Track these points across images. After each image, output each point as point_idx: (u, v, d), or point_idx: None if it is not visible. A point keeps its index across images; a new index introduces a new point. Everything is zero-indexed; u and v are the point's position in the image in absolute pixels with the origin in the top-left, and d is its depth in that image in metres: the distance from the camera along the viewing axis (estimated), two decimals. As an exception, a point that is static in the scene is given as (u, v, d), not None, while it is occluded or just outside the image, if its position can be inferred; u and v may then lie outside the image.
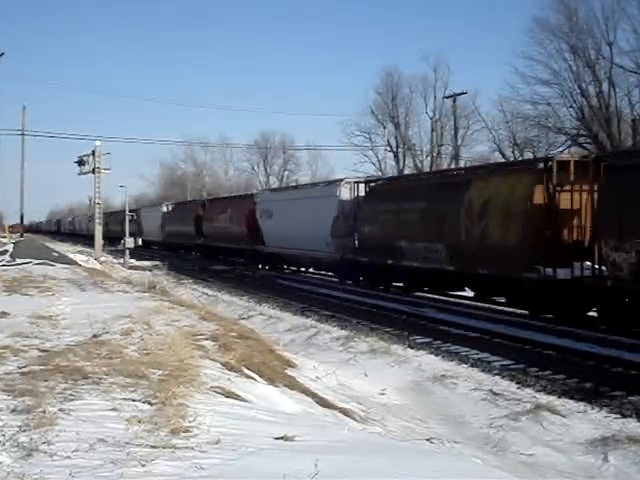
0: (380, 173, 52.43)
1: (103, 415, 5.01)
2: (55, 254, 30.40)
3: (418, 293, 21.56)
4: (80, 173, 37.73)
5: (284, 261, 32.63)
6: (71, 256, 31.84)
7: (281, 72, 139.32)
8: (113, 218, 62.00)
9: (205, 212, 43.36)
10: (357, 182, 25.30)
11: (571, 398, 9.46)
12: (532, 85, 41.58)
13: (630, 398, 9.37)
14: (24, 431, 4.49)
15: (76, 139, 52.31)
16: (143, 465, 3.93)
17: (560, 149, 39.18)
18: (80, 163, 37.33)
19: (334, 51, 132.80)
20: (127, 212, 45.29)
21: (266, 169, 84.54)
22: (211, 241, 41.83)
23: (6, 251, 30.47)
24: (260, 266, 34.39)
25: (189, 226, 45.30)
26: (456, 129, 48.68)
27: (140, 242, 45.94)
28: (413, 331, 14.93)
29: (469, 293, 20.11)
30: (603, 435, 7.96)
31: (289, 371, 9.50)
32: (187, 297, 19.69)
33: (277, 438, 4.82)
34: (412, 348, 13.13)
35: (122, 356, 7.20)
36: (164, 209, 53.48)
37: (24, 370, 6.45)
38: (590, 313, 15.25)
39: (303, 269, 32.66)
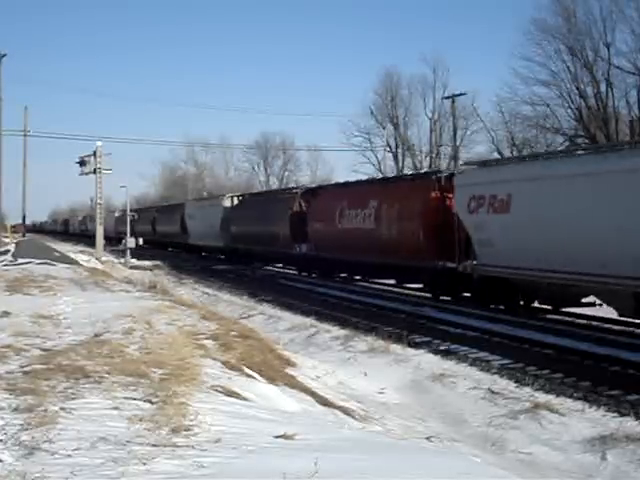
0: (380, 174, 52.41)
1: (104, 414, 5.03)
2: (57, 254, 30.47)
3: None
4: (81, 173, 37.84)
5: (537, 294, 16.83)
6: (72, 256, 31.89)
7: (281, 72, 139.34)
8: (142, 216, 56.06)
9: (313, 206, 28.38)
10: None
11: (569, 397, 9.49)
12: (530, 86, 41.68)
13: (628, 397, 9.41)
14: (26, 430, 4.52)
15: (77, 139, 52.39)
16: (144, 463, 3.95)
17: (559, 149, 39.13)
18: (81, 163, 37.43)
19: (334, 51, 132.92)
20: (128, 212, 45.27)
21: (266, 169, 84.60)
22: (326, 251, 26.01)
23: (8, 251, 30.55)
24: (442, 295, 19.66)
25: (277, 227, 30.67)
26: (455, 130, 48.70)
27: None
28: (412, 330, 14.95)
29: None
30: (601, 434, 8.00)
31: (289, 370, 9.53)
32: (188, 296, 19.73)
33: (277, 437, 4.84)
34: (411, 347, 13.15)
35: (123, 355, 7.23)
36: (226, 203, 38.88)
37: (26, 369, 6.47)
38: None
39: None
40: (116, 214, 65.56)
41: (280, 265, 33.50)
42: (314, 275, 28.53)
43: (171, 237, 51.12)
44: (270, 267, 33.87)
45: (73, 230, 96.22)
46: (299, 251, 28.75)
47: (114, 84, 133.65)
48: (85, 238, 66.65)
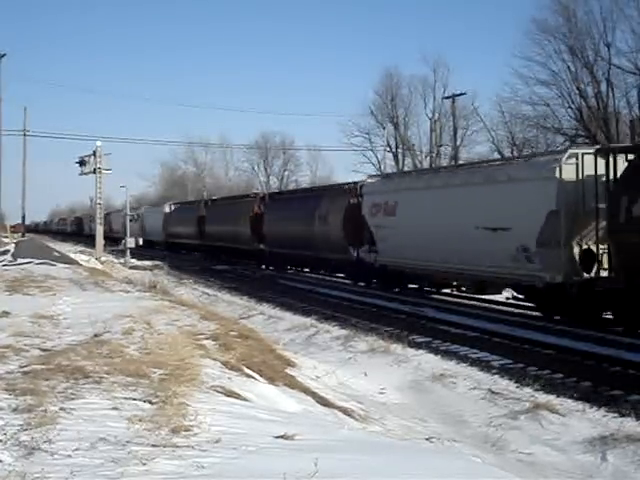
0: (380, 173, 52.19)
1: (104, 414, 5.03)
2: (56, 254, 30.47)
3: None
4: (81, 173, 37.82)
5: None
6: (72, 256, 31.89)
7: (281, 72, 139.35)
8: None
9: None
10: None
11: (570, 397, 9.47)
12: (531, 86, 41.62)
13: (628, 397, 9.39)
14: (25, 430, 4.51)
15: (77, 139, 52.26)
16: (144, 464, 3.95)
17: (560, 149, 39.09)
18: (81, 163, 37.42)
19: (334, 51, 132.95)
20: (128, 212, 45.23)
21: (266, 169, 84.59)
22: None
23: (8, 251, 30.55)
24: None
25: None
26: (455, 129, 48.74)
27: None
28: (413, 330, 14.94)
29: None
30: (601, 434, 7.98)
31: (289, 370, 9.51)
32: (188, 297, 19.73)
33: (277, 437, 4.84)
34: (412, 347, 13.14)
35: (123, 355, 7.22)
36: (563, 175, 13.93)
37: (25, 369, 6.47)
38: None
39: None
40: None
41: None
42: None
43: (302, 247, 27.71)
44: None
45: (89, 231, 69.13)
46: None
47: (114, 84, 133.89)
48: (109, 241, 47.85)
